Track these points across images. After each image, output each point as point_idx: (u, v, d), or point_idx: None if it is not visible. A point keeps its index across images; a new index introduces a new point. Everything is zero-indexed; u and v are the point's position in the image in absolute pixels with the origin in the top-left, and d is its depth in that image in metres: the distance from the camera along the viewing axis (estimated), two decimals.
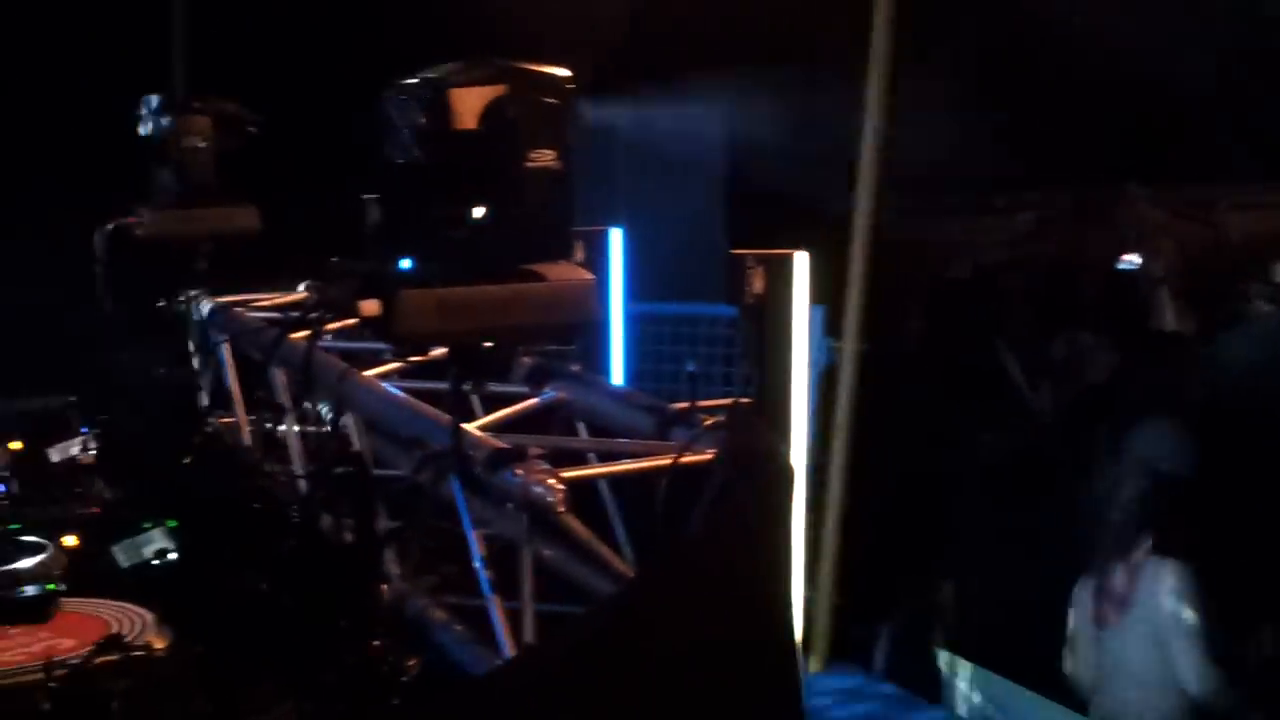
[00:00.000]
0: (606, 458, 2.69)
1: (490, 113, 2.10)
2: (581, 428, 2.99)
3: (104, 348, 4.25)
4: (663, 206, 6.11)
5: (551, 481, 2.23)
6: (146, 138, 4.14)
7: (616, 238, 3.18)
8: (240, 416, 3.75)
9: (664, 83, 6.24)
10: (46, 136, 5.40)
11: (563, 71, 2.28)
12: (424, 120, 2.10)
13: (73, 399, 4.10)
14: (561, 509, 2.22)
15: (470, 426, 2.61)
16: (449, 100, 2.09)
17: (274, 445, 3.46)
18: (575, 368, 3.15)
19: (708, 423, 2.51)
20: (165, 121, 4.08)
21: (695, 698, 2.11)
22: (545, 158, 2.14)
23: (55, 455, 3.48)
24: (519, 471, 2.27)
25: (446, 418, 2.55)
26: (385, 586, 2.79)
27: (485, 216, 2.17)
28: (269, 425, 3.49)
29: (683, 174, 6.53)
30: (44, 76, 5.39)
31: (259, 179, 4.33)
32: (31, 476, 3.35)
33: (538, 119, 2.15)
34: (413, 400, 2.80)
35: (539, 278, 2.32)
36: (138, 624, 2.42)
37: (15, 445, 3.54)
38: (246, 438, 3.69)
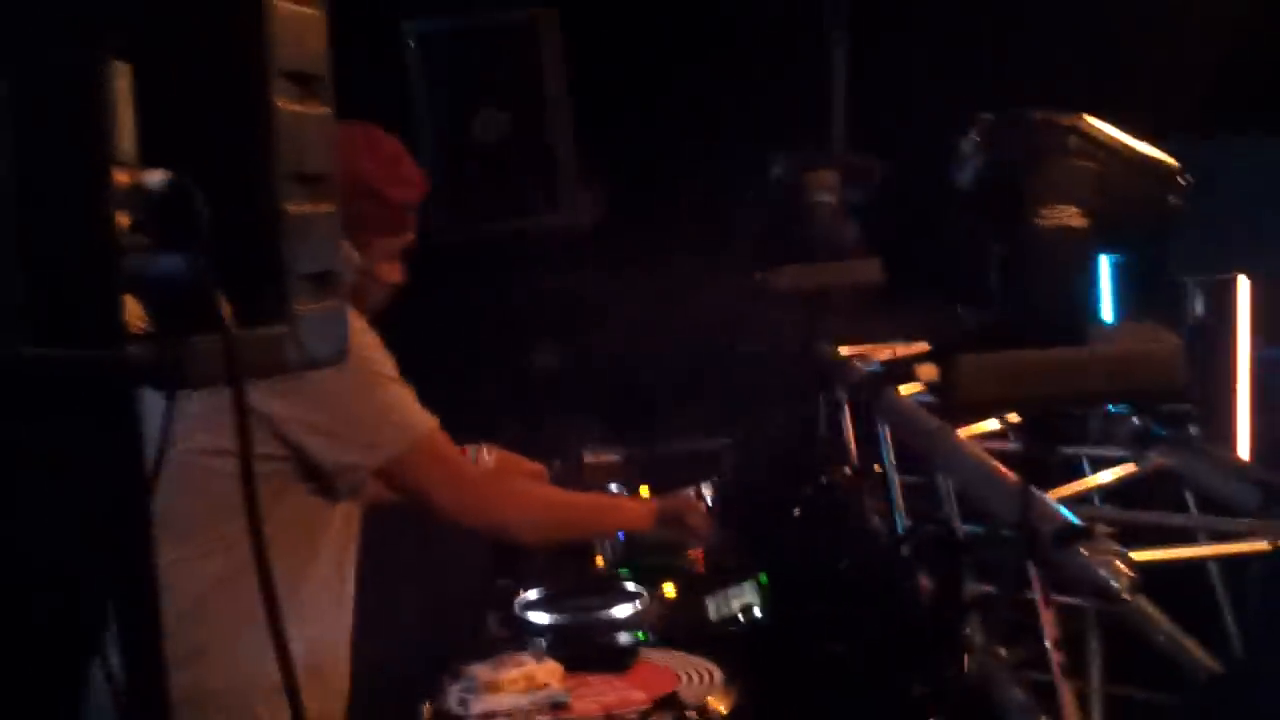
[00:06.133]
0: (1209, 534, 2.43)
1: None
2: (1190, 498, 2.72)
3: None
4: None
5: (1118, 564, 2.03)
6: (775, 193, 4.24)
7: (1243, 285, 2.86)
8: (854, 470, 3.75)
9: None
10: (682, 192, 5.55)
11: None
12: None
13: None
14: (1126, 596, 2.01)
15: (1056, 493, 2.45)
16: None
17: (879, 499, 3.44)
18: (1193, 429, 2.87)
19: None
20: (793, 177, 4.17)
21: None
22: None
23: None
24: (1084, 551, 2.09)
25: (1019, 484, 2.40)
26: (967, 657, 2.67)
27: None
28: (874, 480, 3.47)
29: None
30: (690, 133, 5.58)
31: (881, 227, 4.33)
32: None
33: None
34: (992, 463, 2.65)
35: (1112, 340, 2.13)
36: (705, 681, 2.46)
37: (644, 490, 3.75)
38: (861, 491, 3.68)
